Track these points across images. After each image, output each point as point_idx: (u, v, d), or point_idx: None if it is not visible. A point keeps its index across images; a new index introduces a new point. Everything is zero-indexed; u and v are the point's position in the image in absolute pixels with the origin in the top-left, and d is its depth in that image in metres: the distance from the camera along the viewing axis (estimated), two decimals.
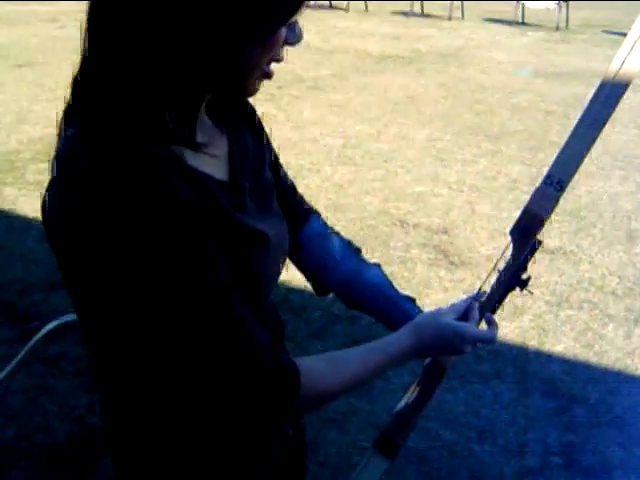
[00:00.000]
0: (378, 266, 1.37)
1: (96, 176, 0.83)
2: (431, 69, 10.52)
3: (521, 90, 9.40)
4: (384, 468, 1.40)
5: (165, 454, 1.06)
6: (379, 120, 7.45)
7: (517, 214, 1.29)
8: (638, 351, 3.60)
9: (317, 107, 7.90)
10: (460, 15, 18.05)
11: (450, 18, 17.67)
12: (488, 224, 4.90)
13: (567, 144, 1.32)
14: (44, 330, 3.39)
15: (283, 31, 0.94)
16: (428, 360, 1.36)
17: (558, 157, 1.33)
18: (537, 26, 17.16)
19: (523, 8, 16.55)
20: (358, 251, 1.38)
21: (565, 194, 4.61)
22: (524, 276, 1.33)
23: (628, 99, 9.27)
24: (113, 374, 1.03)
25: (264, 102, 7.21)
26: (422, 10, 18.53)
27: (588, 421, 3.11)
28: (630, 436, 3.02)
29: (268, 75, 0.98)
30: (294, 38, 0.97)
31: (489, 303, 1.33)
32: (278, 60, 0.97)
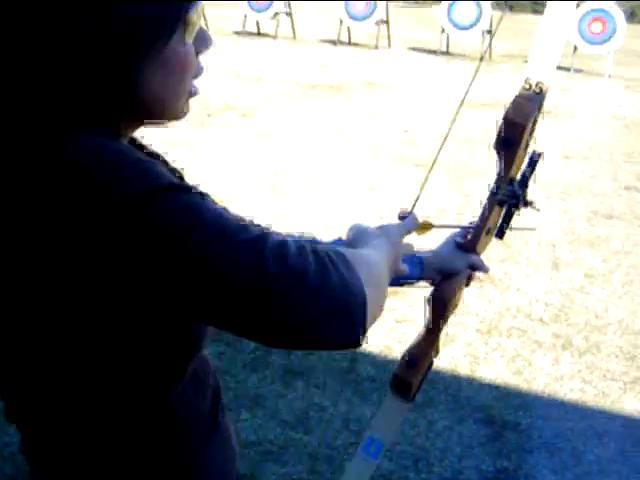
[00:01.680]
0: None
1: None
2: (359, 98, 10.68)
3: (446, 119, 9.62)
4: (404, 409, 1.50)
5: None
6: (309, 149, 7.52)
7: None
8: (566, 377, 3.71)
9: (247, 136, 7.94)
10: (387, 44, 18.39)
11: (377, 47, 17.97)
12: None
13: (536, 47, 1.33)
14: None
15: (179, 45, 0.90)
16: (430, 293, 1.43)
17: (532, 58, 1.33)
18: (461, 56, 17.60)
19: (448, 38, 16.95)
20: None
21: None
22: (528, 197, 1.37)
23: (554, 129, 9.61)
24: (41, 405, 0.95)
25: (194, 130, 7.21)
26: (349, 38, 18.81)
27: (520, 446, 3.18)
28: (561, 460, 3.11)
29: (191, 93, 0.96)
30: (204, 45, 0.95)
31: (485, 225, 1.38)
32: (197, 75, 0.95)
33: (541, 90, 1.32)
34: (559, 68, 17.36)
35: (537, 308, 4.38)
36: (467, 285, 1.47)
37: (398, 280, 1.31)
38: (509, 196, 1.35)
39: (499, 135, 1.31)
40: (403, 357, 1.47)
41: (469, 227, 1.42)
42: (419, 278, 1.41)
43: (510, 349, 3.94)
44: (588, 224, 5.89)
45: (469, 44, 17.85)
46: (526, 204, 1.38)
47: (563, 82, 15.23)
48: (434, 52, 17.54)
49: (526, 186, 1.37)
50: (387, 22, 18.15)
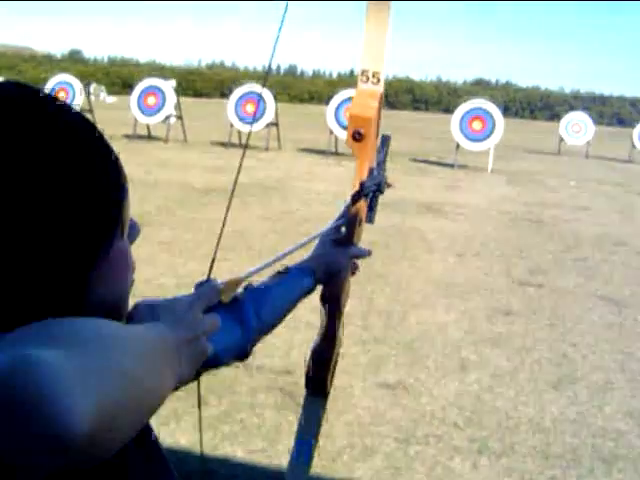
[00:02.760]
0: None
1: None
2: (255, 202, 10.80)
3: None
4: (324, 405, 1.58)
5: None
6: (210, 257, 7.47)
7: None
8: None
9: (146, 245, 7.84)
10: (277, 145, 18.79)
11: (268, 149, 18.34)
12: None
13: (366, 41, 1.39)
14: None
15: (120, 242, 0.88)
16: (321, 293, 1.48)
17: (364, 52, 1.39)
18: (350, 156, 18.11)
19: (336, 139, 17.45)
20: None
21: (396, 325, 4.85)
22: (388, 179, 1.50)
23: (443, 227, 9.93)
24: None
25: None
26: (240, 141, 19.11)
27: None
28: None
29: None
30: (135, 234, 0.94)
31: (357, 218, 1.44)
32: (133, 268, 0.94)
33: (378, 80, 1.37)
34: (444, 165, 18.15)
35: (450, 412, 4.43)
36: (353, 274, 1.54)
37: (298, 296, 1.40)
38: (371, 186, 1.44)
39: (349, 131, 1.36)
40: (311, 358, 1.55)
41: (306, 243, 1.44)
42: (314, 287, 1.45)
43: (429, 457, 3.94)
44: (489, 322, 6.06)
45: None
46: (388, 186, 1.50)
47: (449, 179, 15.88)
48: (323, 152, 18.02)
49: (384, 170, 1.48)
50: (277, 124, 18.60)
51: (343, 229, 1.48)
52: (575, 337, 5.87)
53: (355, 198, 1.42)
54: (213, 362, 1.13)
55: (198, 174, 13.08)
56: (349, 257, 1.49)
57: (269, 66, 1.35)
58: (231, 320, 1.24)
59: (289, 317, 1.31)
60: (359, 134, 1.35)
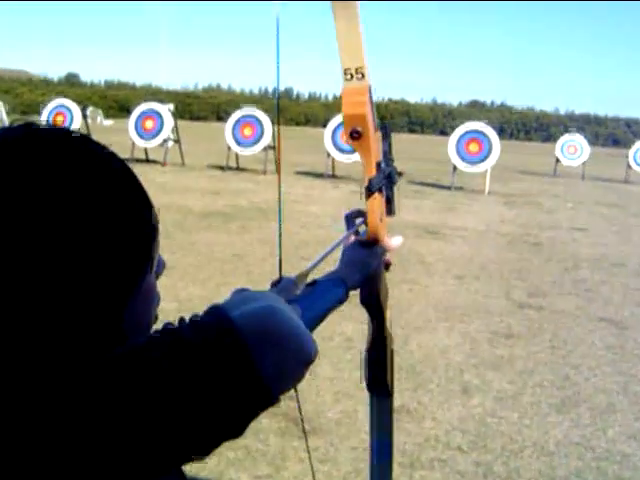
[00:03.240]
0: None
1: None
2: (254, 225, 10.82)
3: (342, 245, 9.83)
4: (390, 404, 1.62)
5: None
6: (210, 281, 7.51)
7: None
8: None
9: None
10: (274, 169, 18.84)
11: (265, 172, 18.40)
12: (331, 386, 5.00)
13: (341, 41, 1.37)
14: None
15: (149, 276, 0.93)
16: (360, 299, 1.47)
17: (343, 52, 1.36)
18: (347, 178, 18.19)
19: (333, 161, 17.51)
20: None
21: (398, 349, 4.80)
22: (397, 168, 1.47)
23: (442, 250, 9.95)
24: None
25: None
26: (237, 164, 19.18)
27: None
28: None
29: None
30: (161, 269, 1.01)
31: (376, 216, 1.40)
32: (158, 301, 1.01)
33: (363, 75, 1.35)
34: (441, 187, 18.21)
35: (454, 436, 4.43)
36: (387, 270, 1.52)
37: (329, 310, 1.33)
38: (383, 179, 1.41)
39: (346, 132, 1.35)
40: (366, 361, 1.58)
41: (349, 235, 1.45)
42: (346, 296, 1.40)
43: None
44: (490, 345, 6.07)
45: (353, 166, 18.51)
46: (399, 174, 1.47)
47: (446, 201, 15.94)
48: (320, 175, 18.09)
49: (391, 160, 1.45)
50: (274, 147, 18.67)
51: (362, 228, 1.45)
52: (577, 359, 5.88)
53: (367, 195, 1.40)
54: None
55: (197, 198, 13.11)
56: (379, 256, 1.45)
57: (277, 91, 1.36)
58: None
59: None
60: (357, 132, 1.34)
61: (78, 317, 0.81)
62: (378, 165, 1.41)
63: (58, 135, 0.86)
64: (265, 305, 0.86)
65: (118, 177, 0.88)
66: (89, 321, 0.83)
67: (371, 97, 1.39)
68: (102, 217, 0.83)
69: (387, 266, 1.52)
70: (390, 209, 1.48)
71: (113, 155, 0.90)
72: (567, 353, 6.02)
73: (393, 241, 1.48)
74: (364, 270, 1.40)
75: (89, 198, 0.82)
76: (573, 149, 25.10)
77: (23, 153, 0.81)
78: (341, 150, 17.59)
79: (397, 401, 4.80)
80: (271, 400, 0.83)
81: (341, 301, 1.36)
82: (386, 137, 1.48)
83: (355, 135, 1.34)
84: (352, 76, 1.36)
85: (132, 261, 0.87)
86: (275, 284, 1.14)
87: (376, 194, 1.40)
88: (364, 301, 1.49)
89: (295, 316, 0.90)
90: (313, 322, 1.36)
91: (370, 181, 1.38)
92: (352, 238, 1.44)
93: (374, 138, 1.39)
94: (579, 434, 4.53)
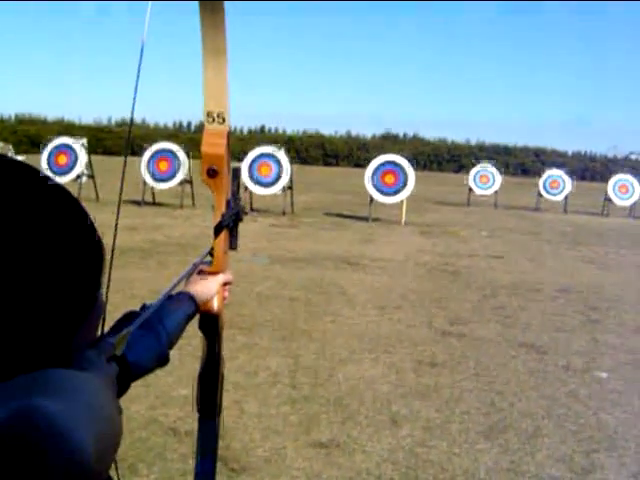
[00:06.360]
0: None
1: None
2: (172, 260, 10.63)
3: (262, 278, 9.76)
4: (215, 425, 1.67)
5: None
6: None
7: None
8: None
9: None
10: (191, 203, 18.66)
11: (182, 206, 18.20)
12: (259, 423, 4.89)
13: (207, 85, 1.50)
14: None
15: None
16: (199, 321, 1.60)
17: (207, 95, 1.50)
18: (265, 211, 18.15)
19: (251, 194, 17.46)
20: None
21: (324, 382, 4.80)
22: (242, 206, 1.63)
23: (363, 280, 9.97)
24: None
25: None
26: (154, 198, 18.93)
27: None
28: None
29: None
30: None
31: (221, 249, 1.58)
32: None
33: (223, 119, 1.49)
34: (358, 218, 18.35)
35: (386, 469, 4.37)
36: (224, 299, 1.67)
37: (186, 316, 1.49)
38: (230, 216, 1.56)
39: (203, 169, 1.48)
40: (198, 383, 1.66)
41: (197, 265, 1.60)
42: (197, 310, 1.57)
43: None
44: (415, 375, 6.07)
45: (271, 199, 18.49)
46: (245, 213, 1.64)
47: (364, 232, 16.05)
48: None
49: (239, 199, 1.61)
50: (191, 181, 18.51)
51: (209, 258, 1.61)
52: (501, 385, 5.93)
53: (217, 229, 1.56)
54: (138, 370, 1.29)
55: (112, 233, 12.82)
56: (218, 284, 1.63)
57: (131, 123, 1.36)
58: (144, 333, 1.35)
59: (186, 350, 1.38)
60: (213, 171, 1.48)
61: (38, 336, 0.83)
62: (228, 203, 1.57)
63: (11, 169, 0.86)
64: (16, 409, 0.69)
65: (62, 198, 0.89)
66: (46, 338, 0.84)
67: (229, 141, 1.54)
68: (63, 252, 0.85)
69: (224, 296, 1.68)
70: (233, 243, 1.64)
71: (69, 194, 0.91)
72: (491, 379, 6.07)
73: (227, 275, 1.66)
74: (202, 295, 1.59)
75: (41, 218, 0.84)
76: (485, 179, 25.73)
77: None
78: (259, 183, 17.58)
79: (326, 435, 4.74)
80: None
81: (193, 313, 1.55)
82: (235, 178, 1.62)
83: (212, 173, 1.48)
84: (214, 119, 1.50)
85: (88, 288, 0.89)
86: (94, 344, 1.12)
87: (225, 230, 1.57)
88: (202, 325, 1.64)
89: (77, 396, 0.76)
90: (180, 323, 1.49)
91: (223, 216, 1.55)
92: (200, 267, 1.62)
93: (227, 178, 1.55)
94: (508, 460, 4.55)
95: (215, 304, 1.62)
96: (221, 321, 1.65)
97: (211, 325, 1.62)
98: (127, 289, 8.57)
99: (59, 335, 0.86)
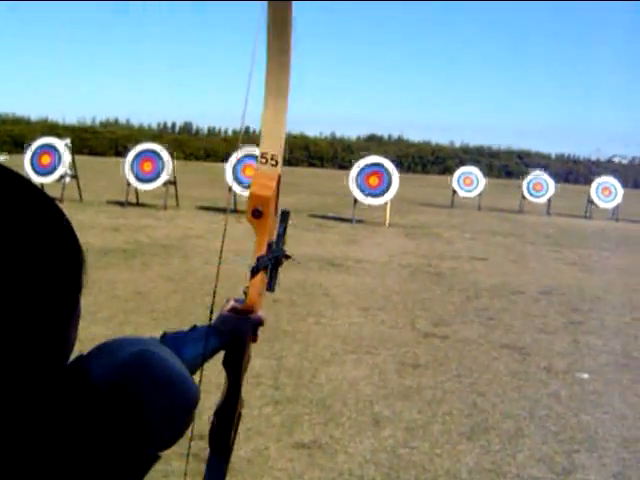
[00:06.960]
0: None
1: None
2: (156, 262, 10.61)
3: (246, 279, 9.74)
4: (225, 463, 1.59)
5: None
6: (113, 320, 7.28)
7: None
8: None
9: None
10: (175, 204, 18.61)
11: (166, 207, 18.13)
12: (241, 424, 4.86)
13: (265, 127, 1.50)
14: None
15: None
16: (225, 355, 1.55)
17: (264, 137, 1.50)
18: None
19: (235, 195, 17.41)
20: None
21: (307, 383, 4.80)
22: (287, 251, 1.57)
23: (346, 282, 9.97)
24: None
25: None
26: (137, 199, 18.86)
27: None
28: None
29: None
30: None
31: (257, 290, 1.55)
32: None
33: (276, 162, 1.49)
34: (343, 220, 18.36)
35: (368, 469, 4.39)
36: (254, 341, 1.62)
37: (206, 351, 1.46)
38: (270, 259, 1.53)
39: (249, 209, 1.47)
40: (215, 418, 1.59)
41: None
42: (221, 346, 1.54)
43: None
44: (398, 376, 6.09)
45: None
46: (287, 257, 1.57)
47: (348, 234, 16.06)
48: (223, 210, 17.96)
49: (283, 243, 1.56)
50: (174, 182, 18.47)
51: (243, 297, 1.58)
52: (483, 387, 5.96)
53: (253, 272, 1.54)
54: None
55: (95, 234, 12.75)
56: (250, 324, 1.59)
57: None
58: None
59: (197, 380, 1.35)
60: (258, 212, 1.46)
61: (32, 337, 0.82)
62: (269, 245, 1.54)
63: None
64: (136, 352, 0.93)
65: (45, 204, 0.87)
66: (40, 340, 0.84)
67: (279, 184, 1.52)
68: (47, 257, 0.83)
69: (254, 339, 1.63)
70: (271, 285, 1.59)
71: (47, 197, 0.89)
72: (473, 381, 6.10)
73: (260, 316, 1.61)
74: (234, 332, 1.56)
75: (15, 218, 0.81)
76: (469, 181, 25.81)
77: None
78: (243, 184, 17.53)
79: (308, 436, 4.75)
80: (155, 457, 0.89)
81: (217, 349, 1.53)
82: (283, 221, 1.58)
83: (257, 214, 1.47)
84: (267, 161, 1.49)
85: (73, 289, 0.88)
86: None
87: (262, 271, 1.54)
88: (226, 363, 1.59)
89: (176, 360, 0.99)
90: (195, 359, 1.45)
91: (258, 259, 1.53)
92: (231, 302, 1.59)
93: (272, 220, 1.53)
94: (490, 460, 4.57)
95: (243, 344, 1.60)
96: (246, 362, 1.62)
97: (236, 363, 1.58)
98: (110, 290, 8.55)
99: (47, 342, 0.84)
